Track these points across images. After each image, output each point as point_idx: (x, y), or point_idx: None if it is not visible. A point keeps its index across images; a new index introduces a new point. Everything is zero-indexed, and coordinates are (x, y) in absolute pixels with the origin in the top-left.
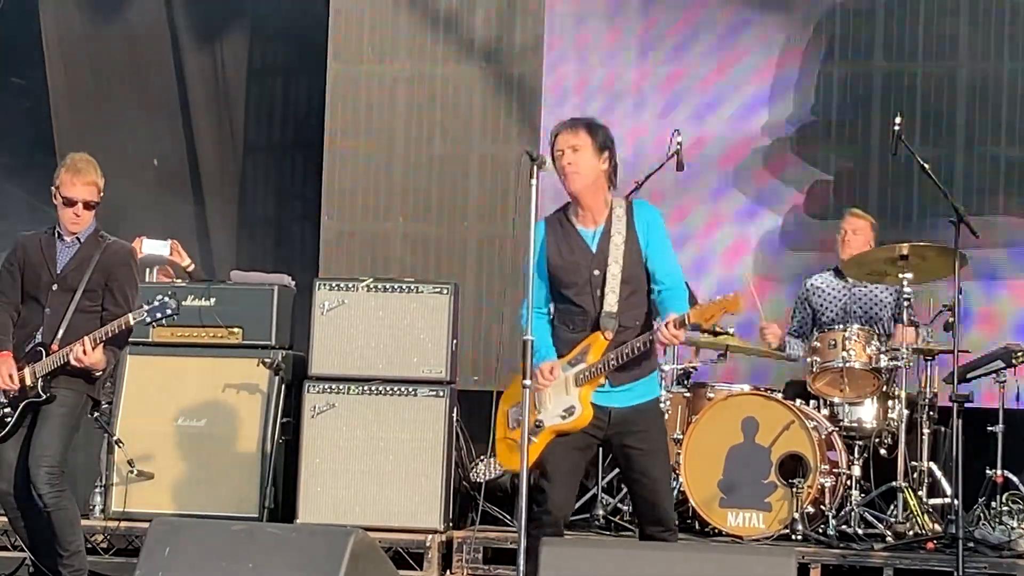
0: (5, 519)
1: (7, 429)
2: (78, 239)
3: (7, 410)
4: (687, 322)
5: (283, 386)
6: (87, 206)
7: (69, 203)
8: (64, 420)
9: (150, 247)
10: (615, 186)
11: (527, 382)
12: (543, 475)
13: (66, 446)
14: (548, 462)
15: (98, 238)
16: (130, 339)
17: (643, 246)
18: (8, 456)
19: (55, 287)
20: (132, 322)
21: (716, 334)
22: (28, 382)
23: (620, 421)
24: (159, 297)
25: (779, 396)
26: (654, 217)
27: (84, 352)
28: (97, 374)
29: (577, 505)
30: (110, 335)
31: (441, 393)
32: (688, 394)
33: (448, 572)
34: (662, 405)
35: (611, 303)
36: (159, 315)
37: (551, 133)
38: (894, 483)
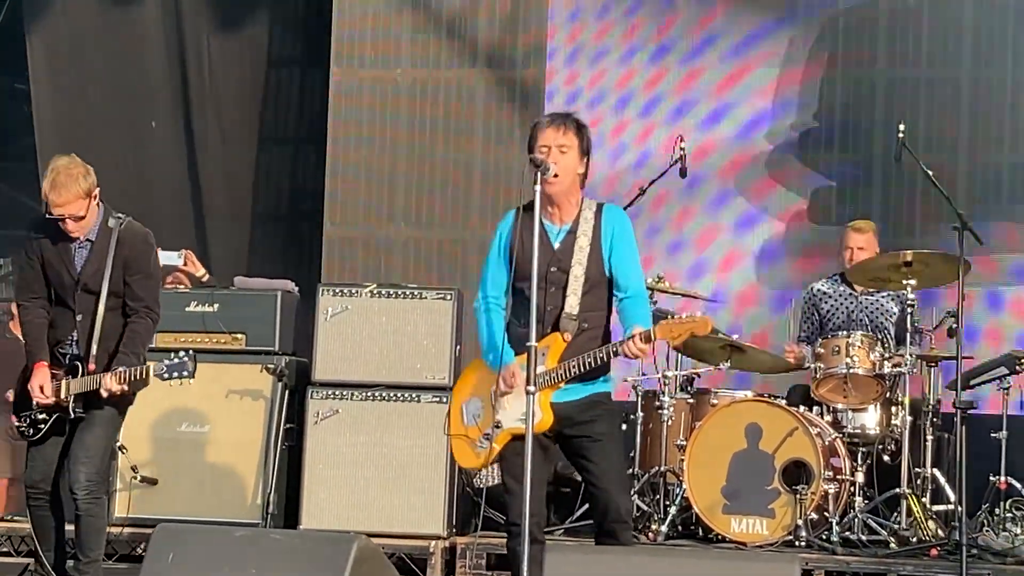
0: (7, 525)
1: (41, 434)
2: (89, 239)
3: (42, 415)
4: (653, 338)
5: (286, 392)
6: (77, 219)
7: (59, 219)
8: (107, 424)
9: (162, 258)
10: (583, 187)
11: (531, 388)
12: (508, 481)
13: (108, 449)
14: (510, 469)
15: (108, 228)
16: None
17: (608, 251)
18: (47, 452)
19: (79, 291)
20: (152, 374)
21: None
22: (62, 395)
23: (567, 415)
24: (180, 355)
25: (783, 402)
26: (622, 222)
27: (113, 389)
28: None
29: (580, 511)
30: (133, 379)
31: (444, 399)
32: (691, 400)
33: None
34: (664, 411)
35: (571, 304)
36: (175, 374)
37: (535, 125)
38: (897, 489)
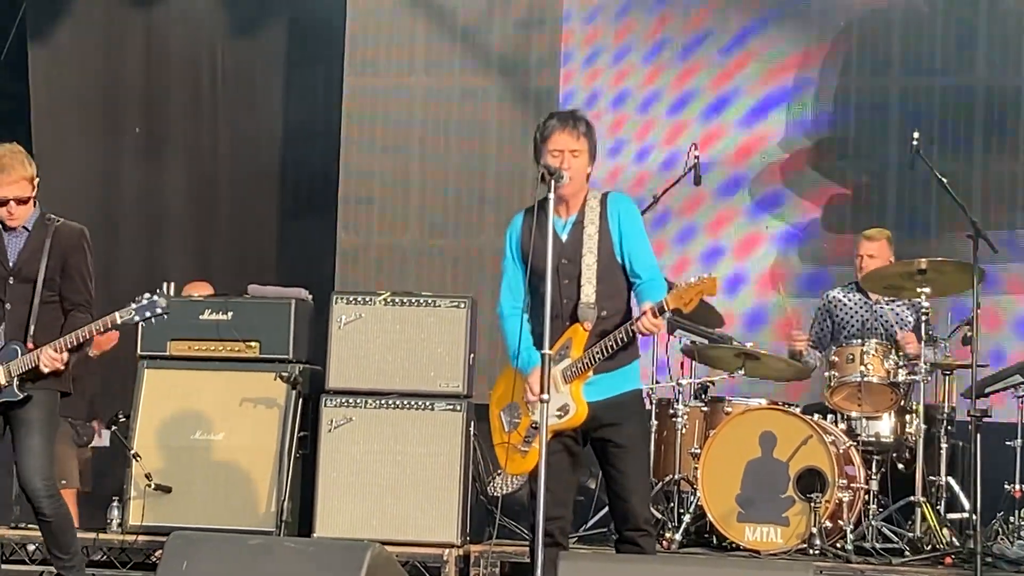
0: (21, 532)
1: None
2: (25, 228)
3: None
4: (666, 308)
5: (300, 400)
6: (20, 202)
7: (1, 203)
8: (45, 425)
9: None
10: (588, 181)
11: (544, 396)
12: (534, 487)
13: (52, 450)
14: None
15: (45, 222)
16: (147, 353)
17: (617, 237)
18: None
19: (11, 280)
20: (119, 321)
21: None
22: (3, 381)
23: (595, 415)
24: (147, 296)
25: (797, 410)
26: (628, 208)
27: (53, 358)
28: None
29: (595, 519)
30: (83, 340)
31: (458, 407)
32: (705, 408)
33: None
34: (678, 419)
35: (588, 293)
36: (148, 314)
37: (545, 123)
38: (912, 498)
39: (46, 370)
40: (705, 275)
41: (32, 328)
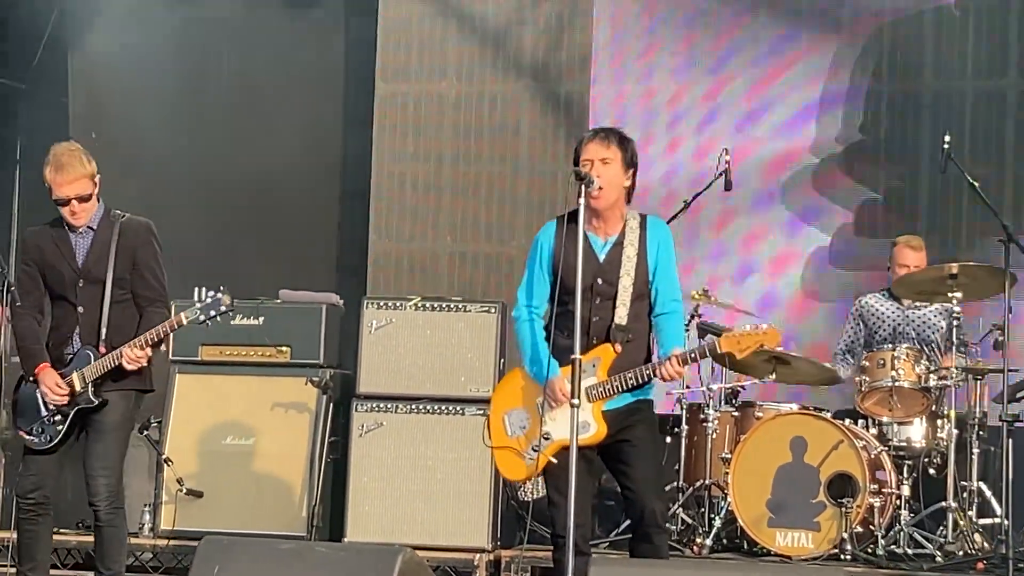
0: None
1: (58, 439)
2: (90, 227)
3: (57, 418)
4: (718, 350)
5: (331, 405)
6: (81, 200)
7: (61, 203)
8: (119, 429)
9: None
10: (629, 202)
11: (575, 400)
12: (553, 494)
13: (123, 456)
14: (555, 482)
15: (111, 219)
16: (179, 358)
17: (653, 263)
18: (41, 463)
19: (81, 283)
20: (185, 321)
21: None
22: (77, 387)
23: (608, 421)
24: (211, 293)
25: (828, 415)
26: (665, 236)
27: (136, 356)
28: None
29: (625, 524)
30: (163, 336)
31: (488, 411)
32: (736, 413)
33: None
34: (709, 424)
35: (621, 316)
36: (212, 312)
37: (580, 140)
38: (943, 503)
39: (130, 367)
40: (766, 326)
41: (104, 331)
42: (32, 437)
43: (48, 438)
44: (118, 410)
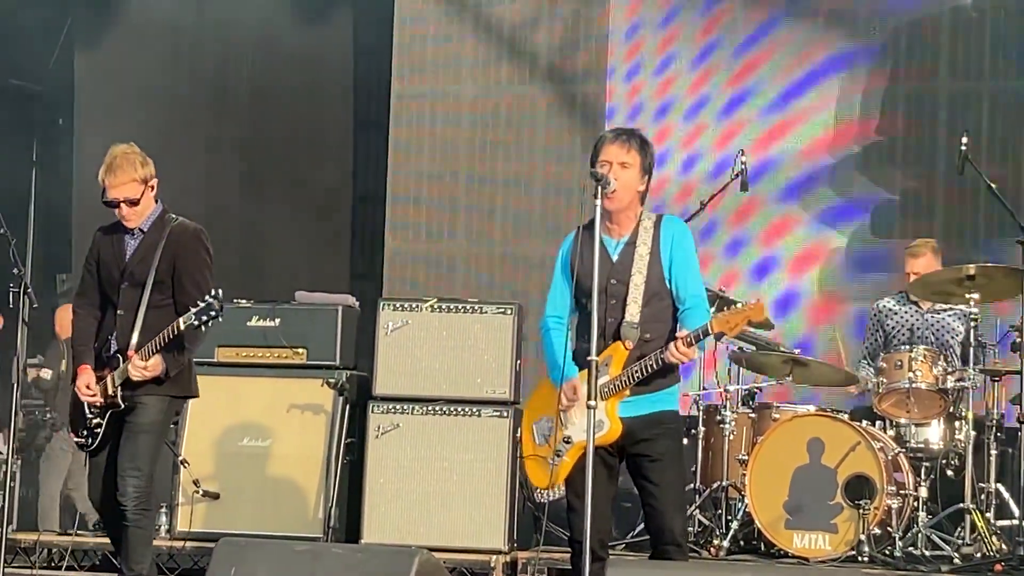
0: (69, 539)
1: (99, 440)
2: (141, 229)
3: (97, 420)
4: (711, 332)
5: (347, 406)
6: (131, 203)
7: (111, 205)
8: (149, 432)
9: None
10: (643, 203)
11: (591, 402)
12: (571, 499)
13: (154, 458)
14: (573, 485)
15: (163, 222)
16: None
17: (668, 260)
18: (100, 467)
19: (124, 284)
20: (182, 326)
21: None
22: (110, 391)
23: (631, 431)
24: (205, 299)
25: (845, 417)
26: (681, 232)
27: (139, 367)
28: (172, 375)
29: (641, 526)
30: (161, 345)
31: (505, 413)
32: (753, 415)
33: None
34: (726, 426)
35: (632, 313)
36: (205, 317)
37: (599, 139)
38: (961, 504)
39: (136, 378)
40: (753, 301)
41: (135, 336)
42: (79, 439)
43: (91, 440)
44: (151, 413)
